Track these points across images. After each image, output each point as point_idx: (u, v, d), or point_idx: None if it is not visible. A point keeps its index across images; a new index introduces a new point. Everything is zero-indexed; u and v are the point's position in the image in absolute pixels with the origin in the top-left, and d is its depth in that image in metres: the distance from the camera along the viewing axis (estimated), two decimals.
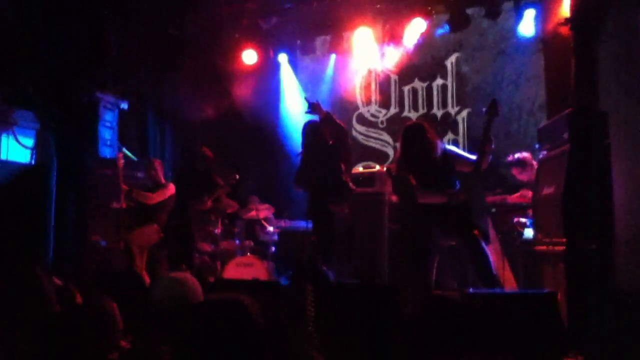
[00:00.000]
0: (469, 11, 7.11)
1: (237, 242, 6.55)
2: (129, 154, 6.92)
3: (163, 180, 6.31)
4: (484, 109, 4.11)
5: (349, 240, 5.77)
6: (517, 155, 5.66)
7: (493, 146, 4.13)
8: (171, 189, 6.19)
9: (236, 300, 1.40)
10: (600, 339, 3.66)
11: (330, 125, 5.12)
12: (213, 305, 1.40)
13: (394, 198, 5.89)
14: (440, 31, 7.24)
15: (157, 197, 6.07)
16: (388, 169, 6.02)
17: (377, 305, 2.31)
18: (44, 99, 6.88)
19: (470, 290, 4.37)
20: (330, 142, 5.13)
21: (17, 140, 6.39)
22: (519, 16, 6.75)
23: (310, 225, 5.20)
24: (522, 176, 5.60)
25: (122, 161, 6.13)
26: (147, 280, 5.43)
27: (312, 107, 5.20)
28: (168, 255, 6.06)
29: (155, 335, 2.47)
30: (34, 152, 6.64)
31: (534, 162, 5.43)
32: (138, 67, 7.58)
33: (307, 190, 5.19)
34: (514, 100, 7.35)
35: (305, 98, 5.42)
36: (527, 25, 6.74)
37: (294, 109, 8.44)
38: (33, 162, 6.54)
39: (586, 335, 3.71)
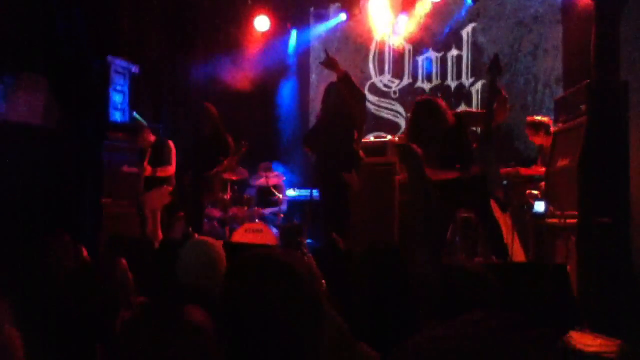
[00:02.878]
0: None
1: (249, 208, 6.54)
2: (139, 118, 6.90)
3: (153, 138, 6.23)
4: (488, 68, 4.06)
5: (358, 210, 5.73)
6: (537, 118, 5.67)
7: (504, 94, 4.07)
8: (172, 145, 6.17)
9: (278, 253, 1.30)
10: (611, 313, 3.64)
11: (347, 86, 4.97)
12: (250, 259, 1.30)
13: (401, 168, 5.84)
14: (467, 2, 7.11)
15: (173, 164, 6.11)
16: (396, 142, 5.98)
17: (385, 270, 2.28)
18: (54, 63, 6.84)
19: (480, 261, 4.37)
20: (349, 108, 4.98)
21: (27, 103, 6.39)
22: None
23: (315, 193, 5.14)
24: (534, 138, 5.61)
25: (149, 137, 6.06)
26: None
27: (329, 61, 4.96)
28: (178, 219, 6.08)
29: (177, 295, 2.46)
30: (43, 115, 6.64)
31: (551, 129, 5.39)
32: (151, 33, 7.50)
33: (314, 152, 5.12)
34: (531, 72, 7.23)
35: (325, 50, 5.23)
36: None
37: (305, 78, 8.36)
38: (42, 124, 6.55)
39: (596, 309, 3.69)
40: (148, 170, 5.97)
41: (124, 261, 2.69)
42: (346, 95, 4.84)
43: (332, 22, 8.19)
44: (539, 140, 5.58)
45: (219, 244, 2.65)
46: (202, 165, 6.00)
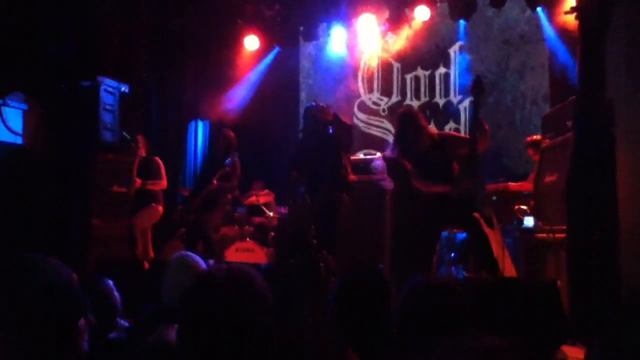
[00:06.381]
0: None
1: (240, 227, 6.54)
2: (129, 137, 6.88)
3: (145, 154, 6.21)
4: (470, 89, 4.12)
5: (349, 228, 5.73)
6: (535, 137, 5.72)
7: (487, 127, 4.11)
8: (160, 162, 6.15)
9: (240, 269, 1.37)
10: (601, 328, 3.65)
11: (338, 125, 5.17)
12: (215, 275, 1.38)
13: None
14: (461, 23, 7.22)
15: (164, 179, 6.09)
16: (384, 155, 6.02)
17: (371, 290, 2.29)
18: (43, 83, 6.84)
19: (471, 276, 4.38)
20: (330, 133, 5.12)
21: (4, 122, 6.40)
22: None
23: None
24: (537, 157, 5.65)
25: (141, 150, 6.05)
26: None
27: (320, 109, 5.22)
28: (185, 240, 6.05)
29: (161, 316, 2.45)
30: (23, 133, 6.67)
31: None
32: (140, 53, 7.53)
33: (302, 175, 5.18)
34: (518, 90, 7.32)
35: (314, 100, 5.49)
36: None
37: (295, 96, 8.42)
38: (22, 143, 6.57)
39: (587, 324, 3.70)
40: (138, 182, 5.90)
41: (110, 282, 2.67)
42: (337, 132, 5.02)
43: (331, 58, 8.25)
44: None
45: (199, 259, 2.65)
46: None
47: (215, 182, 6.01)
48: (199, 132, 8.43)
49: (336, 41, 8.06)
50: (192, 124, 8.36)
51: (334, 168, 5.06)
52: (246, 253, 5.88)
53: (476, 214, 3.96)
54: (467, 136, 4.33)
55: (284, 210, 6.75)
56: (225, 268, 1.41)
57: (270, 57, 8.19)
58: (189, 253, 2.72)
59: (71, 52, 6.77)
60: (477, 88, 4.04)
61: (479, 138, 4.06)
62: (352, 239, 5.66)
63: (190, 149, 8.30)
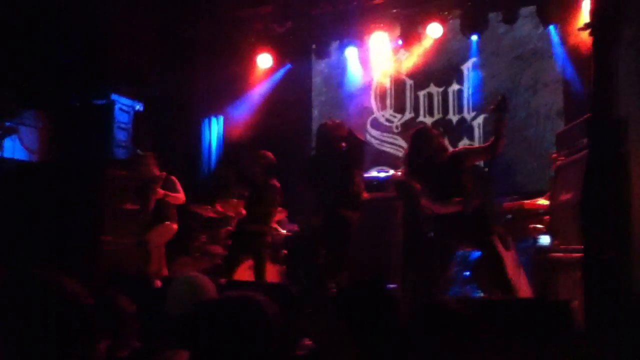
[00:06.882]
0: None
1: None
2: (142, 154, 6.94)
3: (158, 173, 6.26)
4: (491, 107, 4.11)
5: (361, 245, 5.70)
6: None
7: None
8: (175, 179, 6.24)
9: (251, 297, 1.36)
10: (617, 347, 3.57)
11: (352, 141, 5.17)
12: (226, 303, 1.37)
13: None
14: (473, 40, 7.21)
15: (182, 194, 6.20)
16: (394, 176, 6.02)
17: (377, 310, 2.27)
18: (58, 101, 6.96)
19: (485, 296, 4.33)
20: (343, 149, 5.11)
21: (20, 140, 6.54)
22: None
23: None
24: None
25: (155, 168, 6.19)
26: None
27: (335, 125, 5.26)
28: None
29: (167, 336, 2.44)
30: (38, 151, 6.78)
31: None
32: (153, 70, 7.62)
33: (315, 192, 5.18)
34: (531, 106, 7.27)
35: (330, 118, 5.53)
36: None
37: (308, 114, 8.44)
38: (35, 160, 6.68)
39: (603, 343, 3.63)
40: (160, 193, 6.01)
41: (128, 302, 2.65)
42: (352, 147, 5.03)
43: (344, 75, 8.27)
44: None
45: (205, 279, 2.66)
46: (258, 216, 5.66)
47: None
48: (213, 135, 8.48)
49: (349, 58, 8.10)
50: (206, 125, 8.39)
51: (342, 185, 5.04)
52: None
53: (493, 236, 3.92)
54: (481, 145, 4.30)
55: (296, 227, 6.72)
56: (234, 297, 1.39)
57: (281, 74, 8.24)
58: (199, 275, 2.73)
59: (86, 70, 6.88)
60: (501, 107, 4.03)
61: (498, 144, 4.06)
62: (364, 256, 5.62)
63: (204, 157, 8.37)
